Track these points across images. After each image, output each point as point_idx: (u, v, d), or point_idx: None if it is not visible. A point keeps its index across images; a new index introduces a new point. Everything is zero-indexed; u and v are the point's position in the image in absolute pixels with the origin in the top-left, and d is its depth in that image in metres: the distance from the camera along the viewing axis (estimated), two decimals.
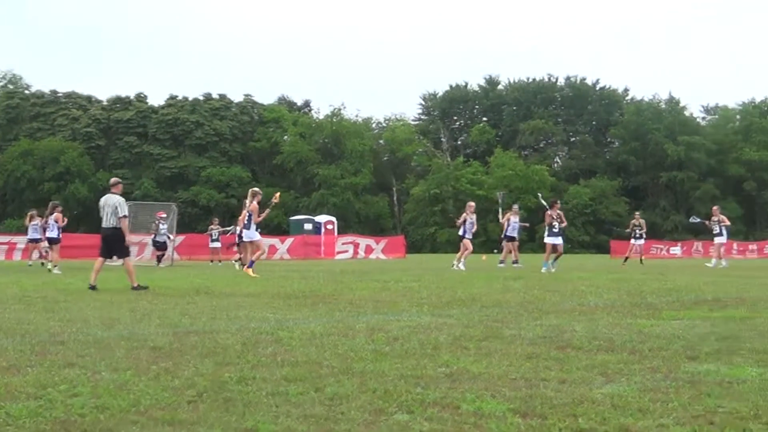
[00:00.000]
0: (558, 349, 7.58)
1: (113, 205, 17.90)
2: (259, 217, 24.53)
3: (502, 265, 32.57)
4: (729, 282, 19.02)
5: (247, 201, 24.74)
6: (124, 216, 18.00)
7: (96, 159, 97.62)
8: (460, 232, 31.90)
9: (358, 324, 9.78)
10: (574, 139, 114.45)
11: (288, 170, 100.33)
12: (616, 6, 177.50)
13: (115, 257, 19.52)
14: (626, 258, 40.35)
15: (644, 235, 41.38)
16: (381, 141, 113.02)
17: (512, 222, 34.34)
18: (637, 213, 44.38)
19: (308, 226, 58.90)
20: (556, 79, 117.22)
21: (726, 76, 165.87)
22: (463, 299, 13.70)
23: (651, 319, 10.21)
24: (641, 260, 40.47)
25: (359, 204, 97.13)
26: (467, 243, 31.17)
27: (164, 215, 38.82)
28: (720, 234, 34.50)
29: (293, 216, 72.68)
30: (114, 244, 18.31)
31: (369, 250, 56.26)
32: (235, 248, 41.65)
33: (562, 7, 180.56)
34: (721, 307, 11.86)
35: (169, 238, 38.53)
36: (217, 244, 41.88)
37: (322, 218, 62.40)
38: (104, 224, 18.18)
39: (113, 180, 19.04)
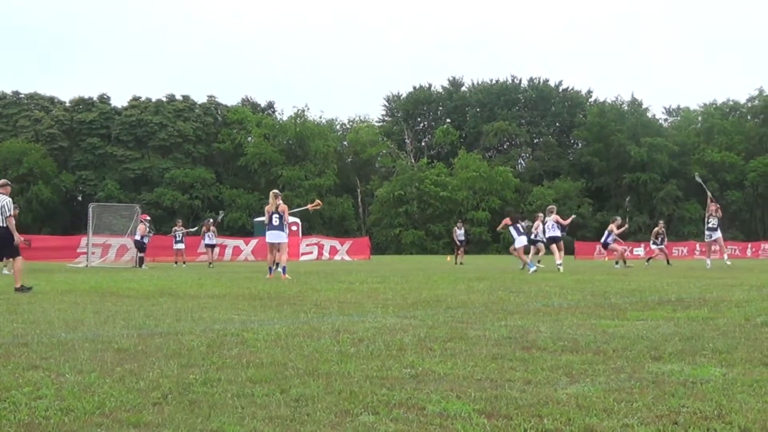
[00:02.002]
0: (523, 349, 7.60)
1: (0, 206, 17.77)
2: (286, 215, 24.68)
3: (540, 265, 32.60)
4: (691, 282, 19.13)
5: (273, 202, 24.65)
6: (11, 215, 17.78)
7: (59, 160, 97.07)
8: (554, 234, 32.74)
9: (323, 325, 9.77)
10: (537, 140, 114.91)
11: (252, 171, 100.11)
12: (578, 7, 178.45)
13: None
14: (667, 261, 40.29)
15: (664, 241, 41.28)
16: (345, 142, 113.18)
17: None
18: (660, 222, 43.93)
19: None
20: (519, 80, 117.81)
21: (687, 78, 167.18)
22: (428, 300, 13.72)
23: (615, 319, 10.25)
24: (647, 260, 40.92)
25: (323, 205, 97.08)
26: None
27: (148, 218, 38.89)
28: (716, 231, 34.19)
29: (257, 217, 72.51)
30: (2, 245, 18.05)
31: (334, 251, 56.33)
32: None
33: (525, 9, 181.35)
34: (684, 307, 11.92)
35: (152, 231, 38.58)
36: (181, 246, 41.76)
37: None
38: None
39: (1, 181, 18.66)
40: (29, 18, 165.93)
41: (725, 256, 33.50)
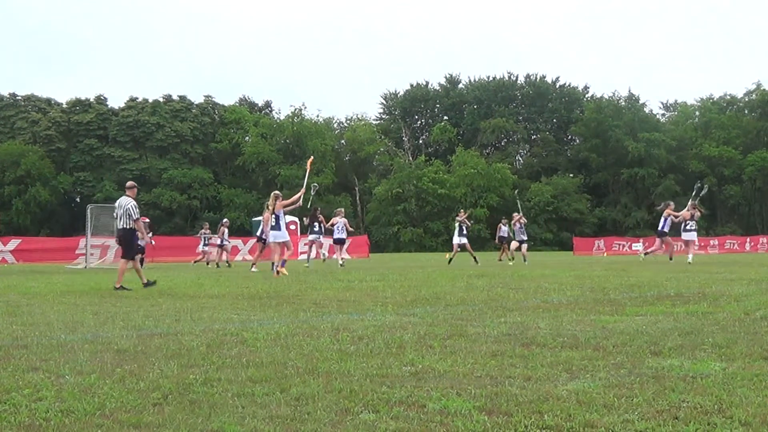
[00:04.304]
0: (522, 346, 7.60)
1: (125, 208, 18.83)
2: (295, 200, 26.46)
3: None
4: (690, 277, 19.13)
5: (271, 203, 25.49)
6: (138, 219, 18.93)
7: (57, 162, 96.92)
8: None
9: (322, 324, 9.77)
10: (535, 136, 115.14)
11: (250, 171, 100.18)
12: (575, 3, 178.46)
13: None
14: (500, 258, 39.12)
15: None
16: (343, 141, 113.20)
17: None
18: (461, 211, 42.02)
19: None
20: (516, 77, 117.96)
21: (684, 73, 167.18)
22: (427, 298, 13.72)
23: (614, 315, 10.25)
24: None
25: (322, 204, 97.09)
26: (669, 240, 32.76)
27: (147, 220, 38.87)
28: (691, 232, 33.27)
29: (256, 217, 72.55)
30: (123, 244, 19.38)
31: (332, 249, 56.30)
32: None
33: (522, 5, 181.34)
34: (683, 302, 11.93)
35: (152, 242, 38.39)
36: (207, 248, 41.55)
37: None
38: (118, 225, 19.21)
39: (128, 183, 19.92)
40: (26, 19, 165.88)
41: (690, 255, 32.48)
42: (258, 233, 32.38)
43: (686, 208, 32.69)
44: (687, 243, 31.91)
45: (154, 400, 5.39)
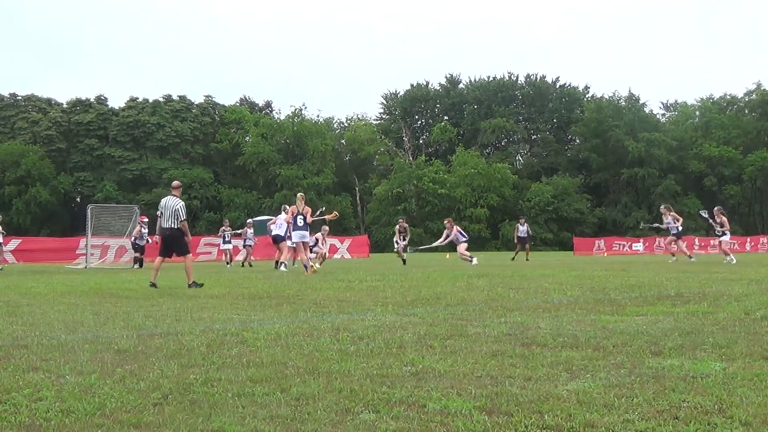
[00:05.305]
0: (523, 346, 7.58)
1: (172, 208, 19.30)
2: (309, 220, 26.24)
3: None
4: (691, 277, 19.12)
5: (300, 204, 26.03)
6: (184, 220, 19.42)
7: (57, 162, 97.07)
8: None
9: (322, 324, 9.76)
10: (535, 136, 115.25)
11: (250, 171, 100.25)
12: (575, 3, 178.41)
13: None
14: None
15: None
16: (343, 141, 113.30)
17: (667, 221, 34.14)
18: (401, 219, 42.06)
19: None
20: (516, 77, 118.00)
21: (685, 73, 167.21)
22: (428, 298, 13.70)
23: (615, 315, 10.23)
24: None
25: (322, 204, 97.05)
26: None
27: (146, 219, 38.78)
28: (724, 235, 33.90)
29: (256, 217, 72.59)
30: (173, 244, 19.63)
31: (333, 249, 56.36)
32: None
33: (522, 5, 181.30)
34: (683, 302, 11.92)
35: (148, 241, 38.27)
36: (230, 246, 41.53)
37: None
38: (164, 225, 19.55)
39: (174, 183, 20.54)
40: (26, 19, 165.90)
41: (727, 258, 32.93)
42: (282, 233, 32.22)
43: (717, 216, 33.62)
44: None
45: (154, 400, 5.39)
